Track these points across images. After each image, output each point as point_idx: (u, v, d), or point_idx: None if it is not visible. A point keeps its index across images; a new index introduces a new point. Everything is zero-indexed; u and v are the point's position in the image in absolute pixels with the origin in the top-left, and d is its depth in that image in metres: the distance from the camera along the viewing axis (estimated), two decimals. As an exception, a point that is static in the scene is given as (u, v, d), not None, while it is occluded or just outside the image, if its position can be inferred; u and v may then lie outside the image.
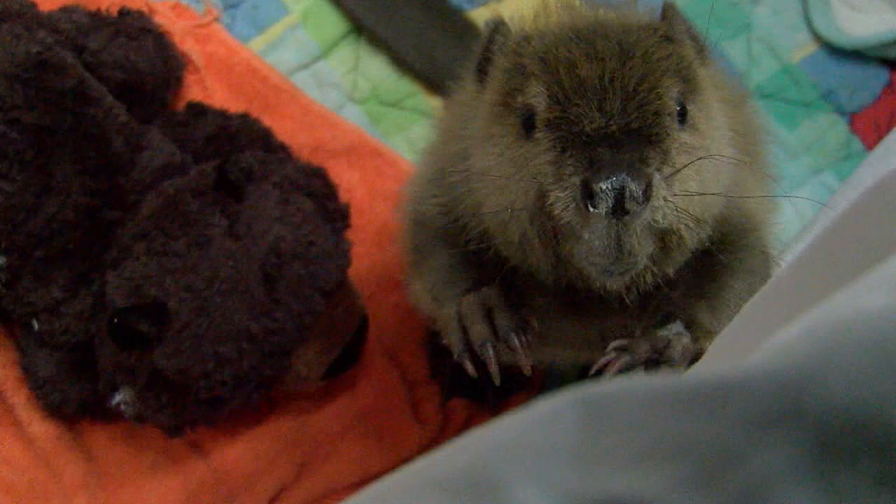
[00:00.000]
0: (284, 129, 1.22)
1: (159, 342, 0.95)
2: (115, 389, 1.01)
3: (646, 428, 0.40)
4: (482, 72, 0.80)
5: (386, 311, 1.17)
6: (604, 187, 0.65)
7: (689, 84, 0.73)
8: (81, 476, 1.08)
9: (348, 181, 1.22)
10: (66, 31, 1.07)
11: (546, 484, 0.39)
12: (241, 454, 1.11)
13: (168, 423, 1.01)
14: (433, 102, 1.32)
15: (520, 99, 0.73)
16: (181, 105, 1.20)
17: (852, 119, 1.36)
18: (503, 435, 0.43)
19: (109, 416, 1.08)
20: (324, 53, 1.32)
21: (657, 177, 0.67)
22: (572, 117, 0.69)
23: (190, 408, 1.00)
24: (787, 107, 1.36)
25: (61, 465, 1.08)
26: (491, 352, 0.78)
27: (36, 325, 1.04)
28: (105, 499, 1.08)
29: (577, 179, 0.67)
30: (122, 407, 1.01)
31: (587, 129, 0.68)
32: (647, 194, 0.66)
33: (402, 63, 1.32)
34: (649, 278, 0.75)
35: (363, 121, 1.31)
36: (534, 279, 0.79)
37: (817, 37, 1.38)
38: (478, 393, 1.13)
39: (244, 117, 1.17)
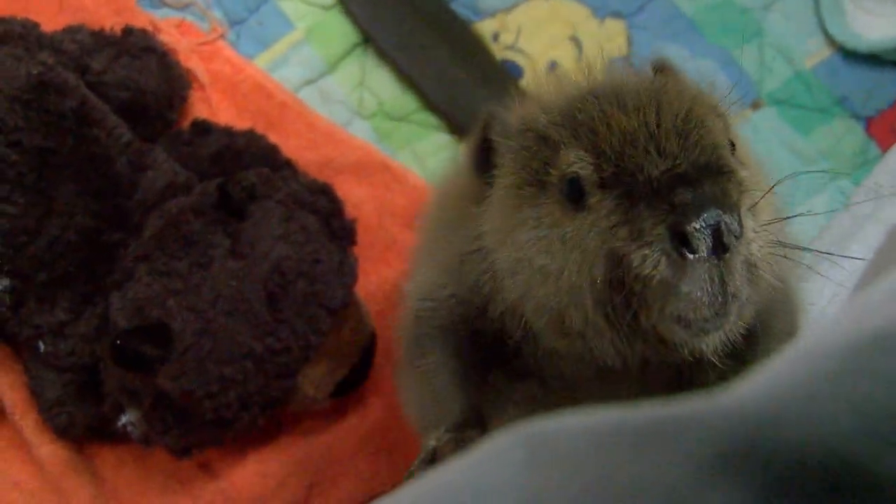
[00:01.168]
0: (291, 146, 1.21)
1: (163, 364, 0.93)
2: (121, 411, 1.01)
3: (589, 466, 0.38)
4: (485, 163, 0.74)
5: (394, 327, 1.16)
6: (698, 227, 0.58)
7: (723, 119, 0.68)
8: (90, 499, 1.07)
9: (356, 197, 1.21)
10: (70, 52, 1.07)
11: None
12: (251, 475, 1.10)
13: (175, 444, 1.00)
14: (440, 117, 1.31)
15: (555, 172, 0.66)
16: (186, 123, 1.19)
17: (868, 124, 1.34)
18: (449, 476, 0.42)
19: (117, 437, 1.07)
20: (330, 69, 1.31)
21: (744, 209, 0.61)
22: (632, 168, 0.62)
23: (196, 429, 0.99)
24: (802, 113, 1.34)
25: (70, 488, 1.07)
26: None
27: (42, 347, 1.03)
28: (114, 521, 1.07)
29: (662, 229, 0.60)
30: (129, 428, 1.01)
31: (655, 173, 0.61)
32: (742, 227, 0.60)
33: (408, 79, 1.31)
34: (737, 332, 0.68)
35: (371, 136, 1.30)
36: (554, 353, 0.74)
37: (831, 42, 1.36)
38: None
39: (250, 134, 1.16)
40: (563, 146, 0.66)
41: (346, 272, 1.02)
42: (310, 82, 1.30)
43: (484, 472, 0.40)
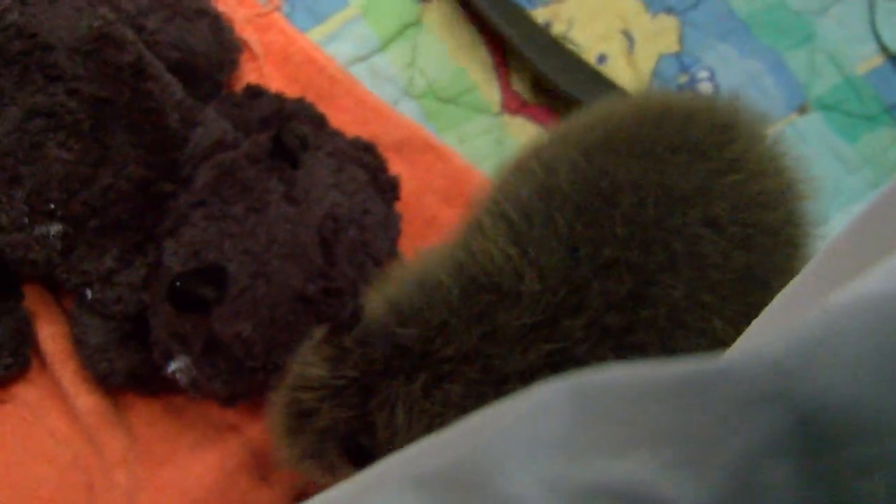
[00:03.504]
0: (338, 120, 1.22)
1: (217, 306, 0.95)
2: (170, 357, 1.02)
3: (634, 416, 0.40)
4: None
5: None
6: None
7: None
8: (122, 452, 1.08)
9: (399, 174, 1.22)
10: (126, 11, 1.10)
11: (537, 474, 0.40)
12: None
13: (223, 390, 1.02)
14: (491, 98, 1.31)
15: None
16: (239, 90, 1.21)
17: (917, 134, 1.34)
18: (492, 427, 0.43)
19: (155, 388, 1.09)
20: (382, 47, 1.32)
21: None
22: None
23: (245, 376, 1.00)
24: (849, 119, 1.34)
25: (104, 439, 1.08)
26: None
27: (89, 294, 1.05)
28: (144, 475, 1.09)
29: None
30: (178, 375, 1.02)
31: None
32: None
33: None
34: None
35: (418, 116, 1.31)
36: None
37: (884, 49, 1.36)
38: None
39: (300, 101, 1.17)
40: None
41: (392, 225, 1.04)
42: (361, 59, 1.32)
43: (529, 423, 0.41)
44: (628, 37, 1.36)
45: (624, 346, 0.80)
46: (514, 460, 0.40)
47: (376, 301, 0.88)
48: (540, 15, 1.35)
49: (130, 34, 1.04)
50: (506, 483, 0.39)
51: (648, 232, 0.82)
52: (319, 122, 1.16)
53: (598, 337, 0.80)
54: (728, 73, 1.35)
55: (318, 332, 0.88)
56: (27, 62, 0.97)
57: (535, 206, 0.84)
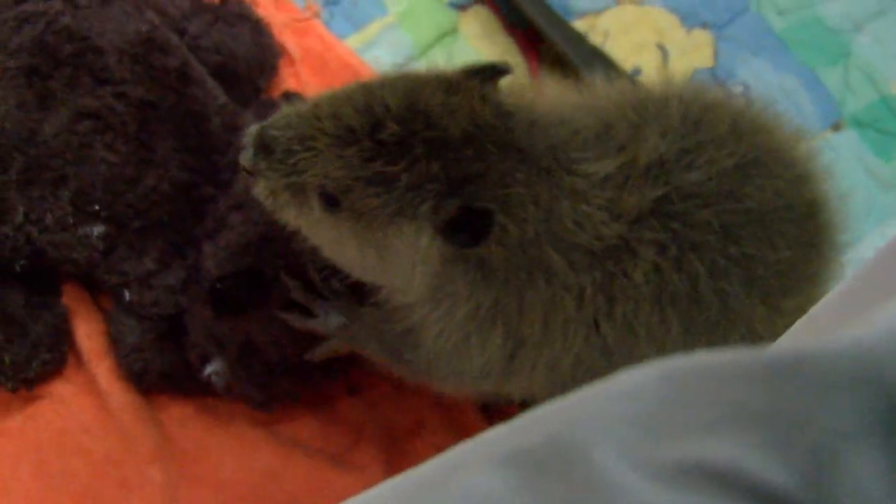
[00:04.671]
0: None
1: (255, 309, 0.96)
2: (206, 361, 1.03)
3: (724, 398, 0.41)
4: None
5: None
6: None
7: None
8: (156, 448, 1.09)
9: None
10: (171, 15, 1.11)
11: (629, 452, 0.41)
12: (315, 436, 1.12)
13: (257, 395, 1.03)
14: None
15: None
16: (277, 94, 1.22)
17: (951, 154, 1.34)
18: (584, 407, 0.44)
19: (188, 389, 1.10)
20: (419, 54, 1.34)
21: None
22: None
23: (279, 379, 1.02)
24: (884, 137, 1.34)
25: (137, 435, 1.09)
26: None
27: (127, 295, 1.06)
28: (178, 471, 1.09)
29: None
30: (214, 378, 1.03)
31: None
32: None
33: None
34: None
35: (453, 123, 1.32)
36: None
37: (919, 68, 1.36)
38: None
39: (338, 108, 1.18)
40: None
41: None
42: (398, 66, 1.33)
43: (621, 404, 0.42)
44: (663, 50, 1.37)
45: None
46: (606, 439, 0.41)
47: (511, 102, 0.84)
48: (577, 27, 1.36)
49: (175, 39, 1.05)
50: (598, 461, 0.40)
51: None
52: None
53: None
54: (762, 89, 1.35)
55: None
56: (77, 65, 0.98)
57: None
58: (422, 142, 0.76)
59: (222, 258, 0.99)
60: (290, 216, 0.83)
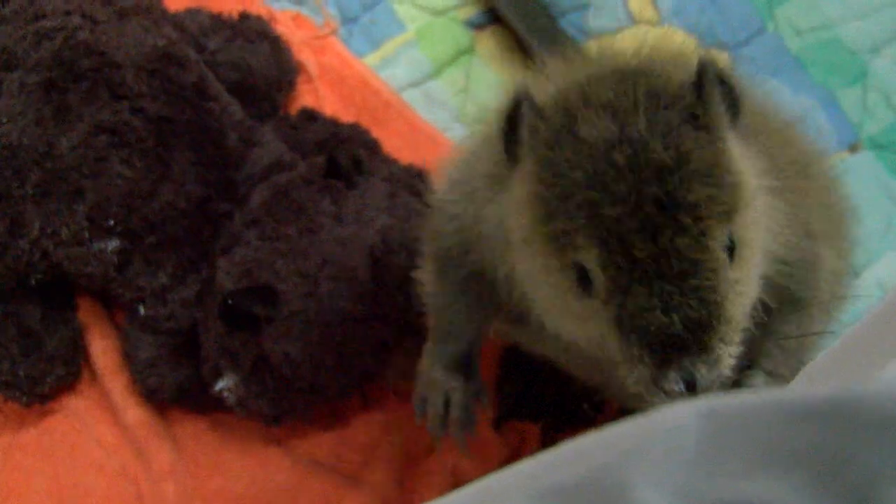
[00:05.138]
0: (390, 145, 1.24)
1: (268, 325, 0.96)
2: (219, 376, 1.03)
3: (766, 438, 0.41)
4: (511, 150, 0.72)
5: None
6: (675, 388, 0.64)
7: (735, 199, 0.66)
8: (170, 463, 1.09)
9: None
10: (189, 30, 1.12)
11: (669, 489, 0.40)
12: (329, 453, 1.12)
13: (269, 410, 1.03)
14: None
15: (570, 254, 0.66)
16: (295, 110, 1.23)
17: (967, 175, 1.33)
18: (626, 443, 0.44)
19: (204, 405, 1.10)
20: (436, 73, 1.34)
21: (724, 351, 0.66)
22: (632, 309, 0.65)
23: (291, 396, 1.01)
24: (901, 160, 1.33)
25: (152, 451, 1.10)
26: (439, 433, 0.90)
27: (142, 310, 1.06)
28: (192, 486, 1.10)
29: (645, 371, 0.65)
30: (225, 394, 1.03)
31: (652, 327, 0.64)
32: (718, 371, 0.65)
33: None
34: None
35: (470, 142, 1.32)
36: None
37: (936, 91, 1.35)
38: (538, 417, 1.12)
39: (354, 126, 1.19)
40: (581, 233, 0.65)
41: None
42: (415, 84, 1.33)
43: (663, 441, 0.42)
44: (680, 70, 1.36)
45: None
46: (648, 476, 0.41)
47: None
48: (591, 47, 1.36)
49: (193, 54, 1.06)
50: (639, 498, 0.40)
51: None
52: (373, 147, 1.17)
53: None
54: (779, 109, 1.35)
55: None
56: (95, 79, 0.99)
57: None
58: None
59: (236, 274, 0.99)
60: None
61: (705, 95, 0.67)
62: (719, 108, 0.68)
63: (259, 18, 1.22)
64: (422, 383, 0.93)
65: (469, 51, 1.35)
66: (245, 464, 1.11)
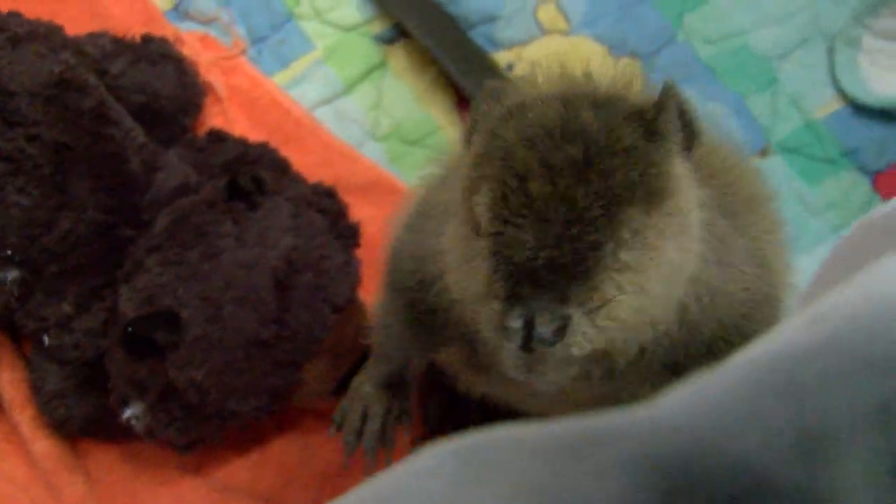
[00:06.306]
0: (304, 163, 1.23)
1: (172, 352, 0.95)
2: (126, 404, 1.02)
3: (512, 476, 0.41)
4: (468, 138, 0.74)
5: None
6: (514, 325, 0.63)
7: (654, 195, 0.67)
8: (82, 495, 1.08)
9: (364, 215, 1.22)
10: (90, 55, 1.10)
11: None
12: (246, 477, 1.10)
13: (178, 438, 1.02)
14: (455, 139, 1.32)
15: (472, 200, 0.68)
16: (204, 132, 1.22)
17: (876, 178, 1.35)
18: (391, 485, 0.45)
19: (113, 434, 1.08)
20: (346, 90, 1.33)
21: (577, 314, 0.64)
22: (506, 241, 0.65)
23: (201, 422, 1.00)
24: (810, 163, 1.36)
25: (62, 483, 1.08)
26: (352, 445, 0.93)
27: (46, 341, 1.05)
28: (104, 520, 1.08)
29: (497, 306, 0.65)
30: (133, 422, 1.02)
31: (515, 258, 0.64)
32: (560, 334, 0.63)
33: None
34: (597, 373, 0.73)
35: (382, 158, 1.32)
36: None
37: (843, 95, 1.38)
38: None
39: (263, 146, 1.18)
40: (485, 181, 0.67)
41: (351, 272, 1.05)
42: (326, 101, 1.33)
43: (418, 483, 0.43)
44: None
45: None
46: None
47: None
48: (503, 58, 1.37)
49: (92, 79, 1.05)
50: None
51: None
52: (282, 167, 1.17)
53: None
54: (691, 117, 1.36)
55: None
56: (-13, 108, 0.97)
57: None
58: None
59: (138, 300, 0.97)
60: None
61: (663, 113, 0.67)
62: (673, 126, 0.68)
63: (163, 40, 1.21)
64: (348, 397, 0.94)
65: (380, 66, 1.35)
66: (159, 493, 1.10)
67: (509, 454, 0.42)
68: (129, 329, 0.94)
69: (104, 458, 1.11)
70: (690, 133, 0.70)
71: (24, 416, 1.10)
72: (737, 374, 0.41)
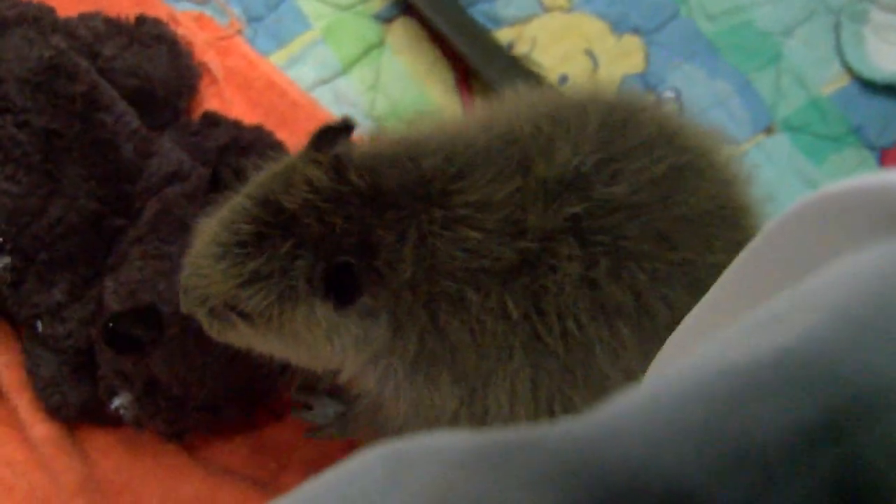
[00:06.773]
0: (300, 144, 1.21)
1: (154, 347, 0.94)
2: (114, 394, 1.02)
3: (442, 483, 0.40)
4: None
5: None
6: None
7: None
8: (80, 480, 1.08)
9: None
10: (82, 37, 1.09)
11: None
12: (243, 462, 1.10)
13: (166, 428, 1.02)
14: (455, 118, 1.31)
15: None
16: (198, 116, 1.20)
17: (882, 155, 1.33)
18: (316, 489, 0.44)
19: (109, 420, 1.08)
20: (344, 70, 1.32)
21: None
22: None
23: (188, 414, 1.00)
24: (815, 141, 1.34)
25: (61, 468, 1.08)
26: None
27: (39, 327, 1.04)
28: (103, 503, 1.08)
29: None
30: (121, 412, 1.02)
31: None
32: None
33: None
34: None
35: (380, 139, 1.30)
36: None
37: (849, 70, 1.36)
38: None
39: (258, 129, 1.17)
40: None
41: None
42: (324, 82, 1.31)
43: (347, 488, 0.43)
44: (592, 57, 1.36)
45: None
46: None
47: (385, 140, 0.88)
48: (504, 35, 1.35)
49: (84, 63, 1.03)
50: None
51: None
52: (277, 149, 1.15)
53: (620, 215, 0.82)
54: (694, 94, 1.35)
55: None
56: (-25, 95, 0.96)
57: None
58: (275, 228, 0.78)
59: (123, 294, 0.97)
60: (234, 339, 0.86)
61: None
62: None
63: (156, 21, 1.19)
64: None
65: (379, 45, 1.33)
66: (157, 477, 1.10)
67: (436, 463, 0.41)
68: (110, 324, 0.93)
69: (102, 442, 1.11)
70: None
71: (22, 400, 1.10)
72: (672, 383, 0.39)
